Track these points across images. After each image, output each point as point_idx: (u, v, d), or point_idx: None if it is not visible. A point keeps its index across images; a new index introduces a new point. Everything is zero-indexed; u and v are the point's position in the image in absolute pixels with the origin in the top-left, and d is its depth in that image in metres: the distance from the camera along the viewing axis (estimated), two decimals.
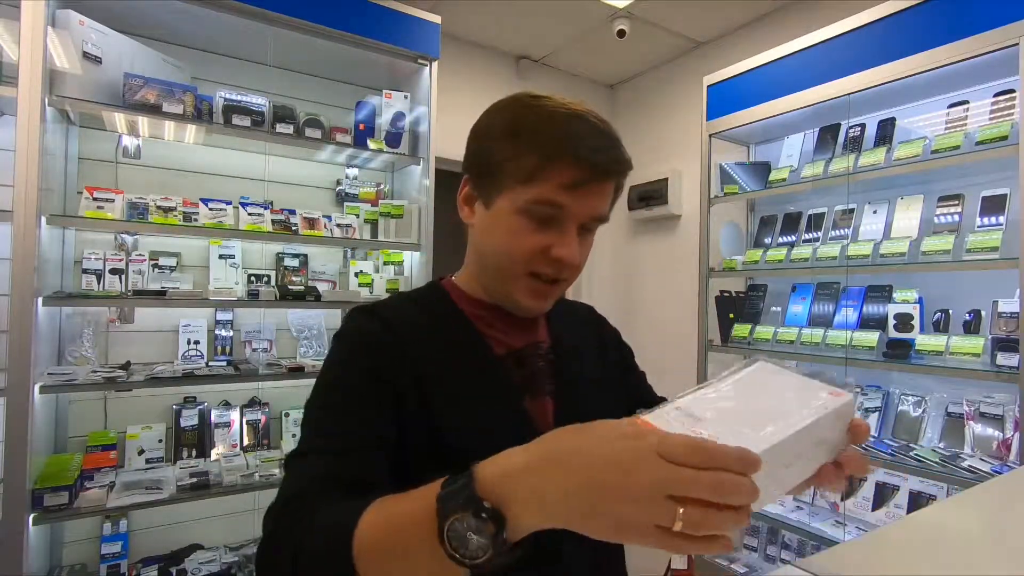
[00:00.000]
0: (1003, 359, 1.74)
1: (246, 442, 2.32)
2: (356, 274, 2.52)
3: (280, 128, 2.21)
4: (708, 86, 2.68)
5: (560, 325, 0.84)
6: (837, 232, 2.36)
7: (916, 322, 2.02)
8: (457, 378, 0.72)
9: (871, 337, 2.09)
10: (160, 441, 2.17)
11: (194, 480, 1.98)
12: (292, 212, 2.29)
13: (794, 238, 2.53)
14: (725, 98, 2.61)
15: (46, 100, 1.75)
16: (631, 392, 0.89)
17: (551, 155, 0.65)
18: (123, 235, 2.14)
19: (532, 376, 0.76)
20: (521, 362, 0.76)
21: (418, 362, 0.69)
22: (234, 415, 2.32)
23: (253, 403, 2.38)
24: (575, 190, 0.66)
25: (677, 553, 0.36)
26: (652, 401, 0.88)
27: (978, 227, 1.92)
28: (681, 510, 0.36)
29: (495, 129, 0.70)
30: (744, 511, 0.37)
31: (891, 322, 2.08)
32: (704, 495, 0.36)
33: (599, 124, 0.68)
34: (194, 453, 2.21)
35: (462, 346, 0.75)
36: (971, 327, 1.94)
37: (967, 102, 2.01)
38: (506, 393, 0.73)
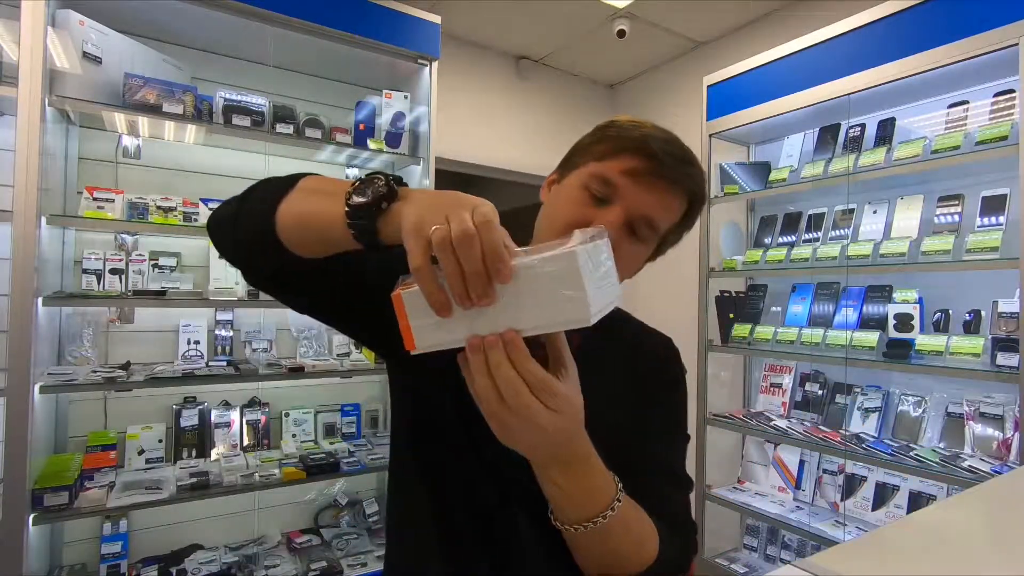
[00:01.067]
0: (1003, 359, 1.74)
1: (246, 442, 2.32)
2: None
3: (280, 128, 2.21)
4: (708, 86, 2.68)
5: (599, 333, 0.72)
6: (837, 232, 2.36)
7: (916, 322, 2.03)
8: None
9: (871, 337, 2.09)
10: (160, 441, 2.17)
11: (194, 480, 1.98)
12: None
13: (794, 238, 2.53)
14: (725, 98, 2.61)
15: (46, 100, 1.75)
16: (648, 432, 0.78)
17: (625, 146, 0.70)
18: (123, 235, 2.14)
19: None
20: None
21: None
22: (234, 415, 2.32)
23: (253, 403, 2.38)
24: (633, 176, 0.69)
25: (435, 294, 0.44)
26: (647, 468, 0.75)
27: (978, 227, 1.92)
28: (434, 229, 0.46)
29: (591, 132, 0.77)
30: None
31: (891, 322, 2.08)
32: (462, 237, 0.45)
33: (680, 142, 0.73)
34: (194, 453, 2.22)
35: None
36: (971, 327, 1.94)
37: (967, 102, 2.01)
38: None
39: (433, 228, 0.46)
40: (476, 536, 0.72)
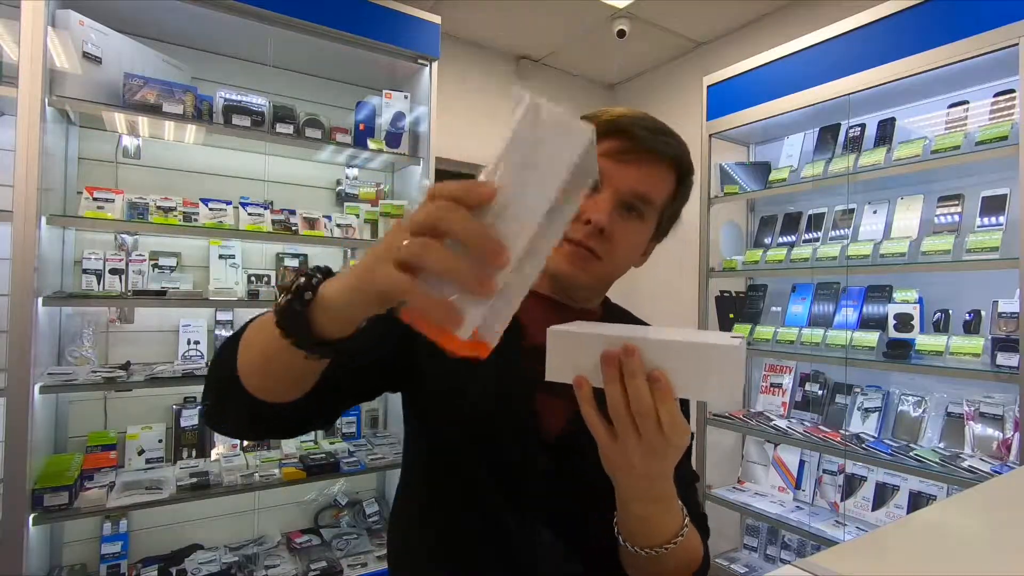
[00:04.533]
0: (1003, 359, 1.74)
1: (246, 442, 2.32)
2: None
3: (280, 128, 2.21)
4: (708, 86, 2.68)
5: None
6: (837, 232, 2.36)
7: (916, 322, 2.03)
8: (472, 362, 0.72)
9: (871, 337, 2.09)
10: (160, 441, 2.17)
11: (194, 480, 1.98)
12: (292, 212, 2.29)
13: (794, 238, 2.53)
14: (725, 98, 2.61)
15: (46, 100, 1.75)
16: None
17: (603, 127, 0.70)
18: (123, 235, 2.14)
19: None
20: (542, 357, 0.75)
21: None
22: None
23: None
24: (615, 157, 0.69)
25: (420, 308, 0.37)
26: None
27: (978, 227, 1.92)
28: (405, 242, 0.39)
29: None
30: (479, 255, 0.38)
31: (891, 322, 2.08)
32: (425, 226, 0.38)
33: (655, 119, 0.73)
34: (194, 453, 2.22)
35: None
36: (971, 327, 1.94)
37: (967, 102, 2.01)
38: (518, 386, 0.72)
39: (397, 248, 0.40)
40: (494, 555, 0.72)
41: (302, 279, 0.49)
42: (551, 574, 0.70)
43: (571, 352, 0.55)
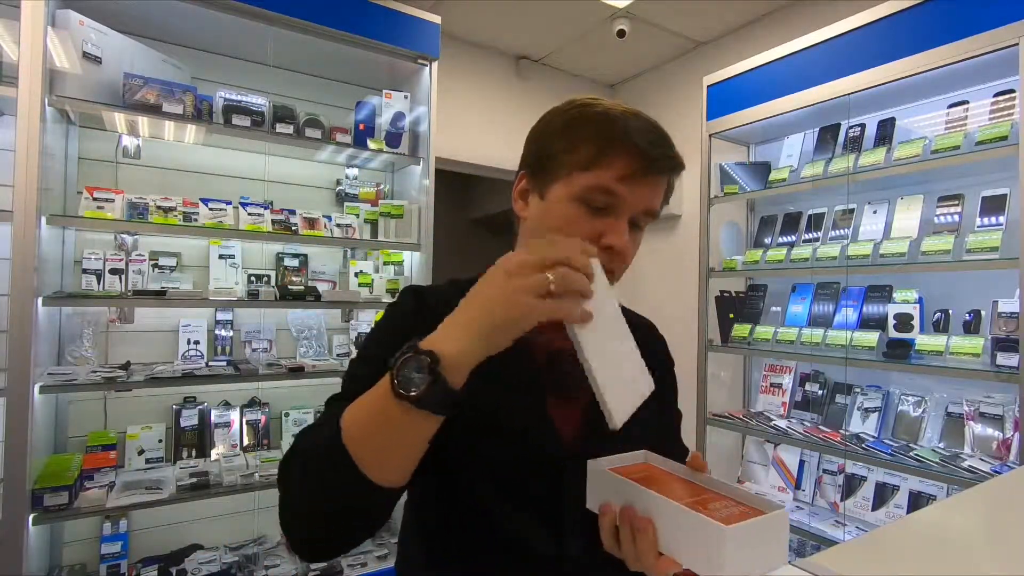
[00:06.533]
0: (1003, 359, 1.74)
1: (246, 442, 2.32)
2: (356, 274, 2.52)
3: (280, 128, 2.21)
4: (708, 86, 2.68)
5: None
6: (837, 232, 2.36)
7: (916, 322, 2.03)
8: (483, 369, 0.72)
9: (871, 337, 2.09)
10: (160, 441, 2.17)
11: (194, 480, 1.98)
12: (292, 212, 2.29)
13: (794, 238, 2.53)
14: (725, 98, 2.61)
15: (46, 100, 1.75)
16: (662, 423, 0.84)
17: (609, 145, 0.68)
18: (123, 235, 2.14)
19: (562, 379, 0.74)
20: (552, 363, 0.75)
21: None
22: (234, 415, 2.32)
23: (253, 403, 2.38)
24: (631, 180, 0.68)
25: (551, 314, 0.53)
26: (669, 447, 0.84)
27: (978, 227, 1.92)
28: (550, 275, 0.51)
29: (553, 125, 0.74)
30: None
31: (891, 322, 2.08)
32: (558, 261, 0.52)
33: (652, 122, 0.71)
34: (194, 453, 2.22)
35: None
36: (971, 327, 1.94)
37: (967, 102, 2.01)
38: (530, 393, 0.72)
39: (537, 285, 0.52)
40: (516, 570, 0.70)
41: (419, 356, 0.52)
42: None
43: (604, 485, 0.60)
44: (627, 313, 0.88)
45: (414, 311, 0.75)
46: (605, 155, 0.67)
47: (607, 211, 0.69)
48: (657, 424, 0.80)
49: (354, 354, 2.48)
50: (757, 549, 0.49)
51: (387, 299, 2.44)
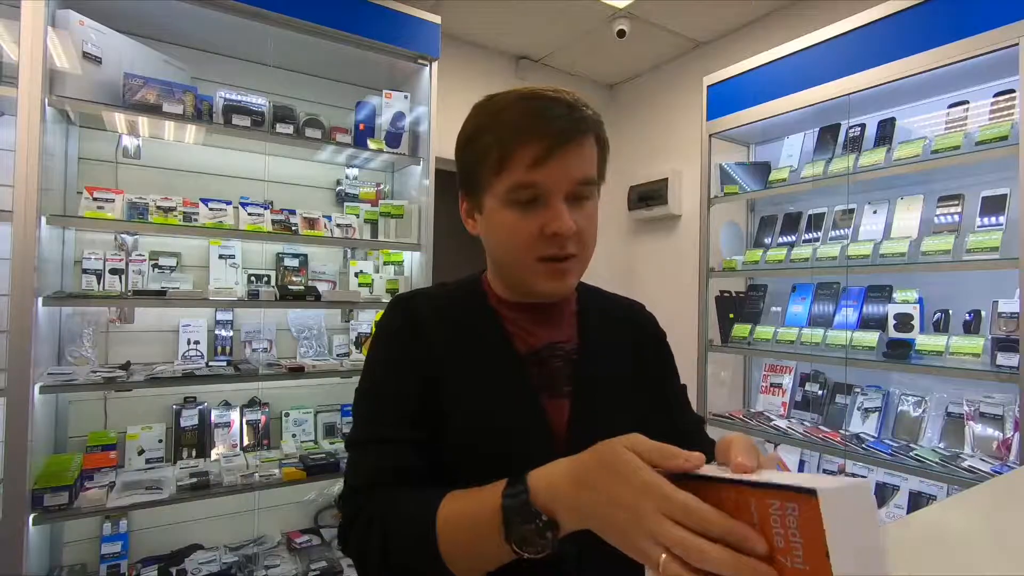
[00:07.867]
0: (1003, 359, 1.74)
1: (246, 442, 2.32)
2: (356, 274, 2.52)
3: (280, 128, 2.21)
4: (708, 86, 2.68)
5: (591, 322, 0.83)
6: (837, 232, 2.36)
7: (916, 322, 2.03)
8: (476, 376, 0.73)
9: (871, 337, 2.09)
10: (160, 441, 2.17)
11: (194, 480, 1.98)
12: (292, 212, 2.29)
13: (794, 238, 2.53)
14: (725, 98, 2.61)
15: (46, 100, 1.75)
16: (662, 400, 0.85)
17: (509, 140, 0.67)
18: (123, 235, 2.14)
19: (551, 376, 0.76)
20: (540, 362, 0.76)
21: (440, 359, 0.73)
22: (234, 415, 2.32)
23: (253, 403, 2.38)
24: (544, 164, 0.66)
25: None
26: (679, 421, 0.84)
27: (978, 227, 1.92)
28: (663, 556, 0.41)
29: (461, 139, 0.74)
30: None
31: (891, 322, 2.08)
32: (684, 557, 0.40)
33: (551, 94, 0.69)
34: (194, 453, 2.21)
35: (486, 344, 0.76)
36: (971, 327, 1.94)
37: (967, 102, 2.01)
38: (523, 392, 0.74)
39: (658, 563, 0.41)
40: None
41: (539, 519, 0.51)
42: None
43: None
44: (611, 298, 0.90)
45: (410, 334, 0.75)
46: (508, 151, 0.67)
47: (538, 202, 0.68)
48: (658, 404, 0.83)
49: (355, 354, 2.50)
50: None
51: (387, 299, 2.44)
